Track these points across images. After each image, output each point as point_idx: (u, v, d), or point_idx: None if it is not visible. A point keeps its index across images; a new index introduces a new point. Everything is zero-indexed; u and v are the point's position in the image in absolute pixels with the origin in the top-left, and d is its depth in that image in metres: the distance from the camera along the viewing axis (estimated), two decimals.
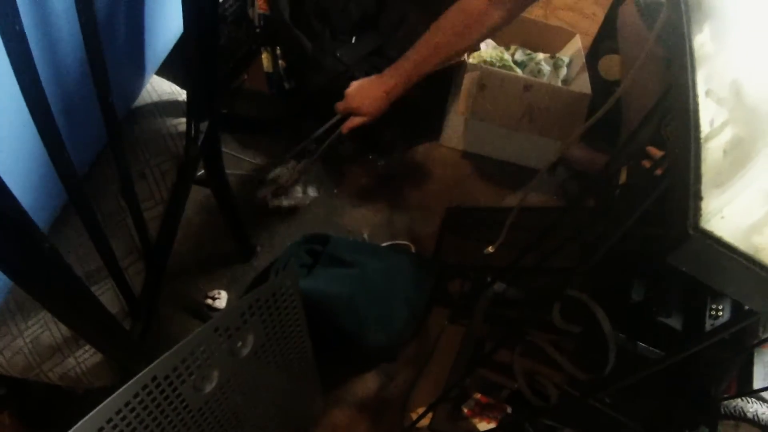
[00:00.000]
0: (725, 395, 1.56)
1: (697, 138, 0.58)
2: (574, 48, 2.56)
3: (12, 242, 0.59)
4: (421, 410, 1.67)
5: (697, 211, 0.55)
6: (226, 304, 1.87)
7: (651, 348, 1.39)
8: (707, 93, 0.63)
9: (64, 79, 0.81)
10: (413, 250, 2.14)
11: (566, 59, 2.53)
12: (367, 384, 1.84)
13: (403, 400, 1.82)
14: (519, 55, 2.56)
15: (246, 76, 2.46)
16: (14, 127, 0.71)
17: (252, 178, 2.19)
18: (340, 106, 1.85)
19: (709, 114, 0.61)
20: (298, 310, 1.27)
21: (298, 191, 2.13)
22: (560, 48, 2.63)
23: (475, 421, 1.68)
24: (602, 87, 2.45)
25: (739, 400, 1.59)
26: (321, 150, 1.98)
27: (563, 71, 2.51)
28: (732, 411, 1.58)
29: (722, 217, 0.56)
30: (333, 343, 1.70)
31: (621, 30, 2.13)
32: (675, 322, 1.36)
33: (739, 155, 0.59)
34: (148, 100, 1.32)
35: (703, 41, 0.71)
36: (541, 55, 2.55)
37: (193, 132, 1.26)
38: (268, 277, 1.88)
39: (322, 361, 1.51)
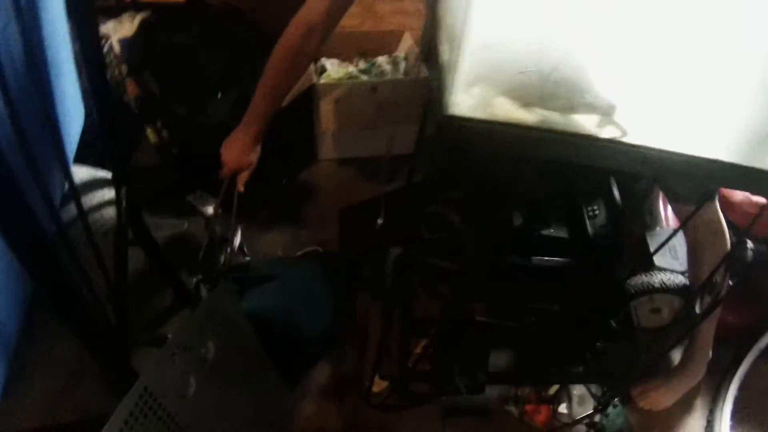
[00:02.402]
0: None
1: (439, 70, 0.99)
2: (407, 44, 2.87)
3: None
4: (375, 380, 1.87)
5: (442, 108, 0.94)
6: None
7: (545, 258, 1.52)
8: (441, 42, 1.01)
9: None
10: (321, 251, 2.41)
11: (402, 55, 2.85)
12: (323, 372, 2.08)
13: (357, 376, 2.06)
14: (362, 65, 2.87)
15: (138, 154, 2.67)
16: None
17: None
18: (223, 172, 1.96)
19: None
20: (242, 315, 1.51)
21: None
22: (395, 48, 2.94)
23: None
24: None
25: (642, 276, 1.75)
26: (235, 218, 2.03)
27: (402, 66, 2.82)
28: (641, 287, 1.74)
29: (456, 104, 0.93)
30: (282, 347, 1.88)
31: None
32: (561, 232, 1.52)
33: (452, 68, 0.96)
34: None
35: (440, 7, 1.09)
36: (380, 59, 2.86)
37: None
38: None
39: (281, 365, 1.75)
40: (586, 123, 1.01)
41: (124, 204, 1.55)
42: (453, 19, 1.01)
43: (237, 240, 2.17)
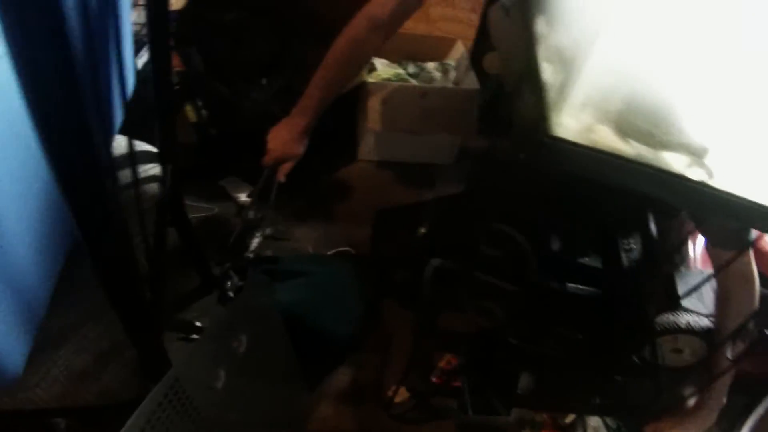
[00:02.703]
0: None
1: (542, 88, 0.92)
2: (458, 52, 2.84)
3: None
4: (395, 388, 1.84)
5: (546, 126, 0.90)
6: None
7: (579, 287, 1.51)
8: (544, 60, 0.96)
9: None
10: (353, 253, 2.36)
11: (453, 63, 2.81)
12: (343, 376, 2.03)
13: (377, 383, 2.02)
14: (411, 68, 2.83)
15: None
16: None
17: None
18: (266, 160, 1.98)
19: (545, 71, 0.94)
20: (274, 310, 1.48)
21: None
22: (446, 55, 2.90)
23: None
24: (490, 82, 2.74)
25: (670, 314, 1.74)
26: (270, 206, 2.11)
27: (452, 74, 2.79)
28: (667, 326, 1.72)
29: (561, 125, 0.89)
30: (306, 345, 1.82)
31: (492, 31, 2.42)
32: (595, 262, 1.52)
33: (562, 90, 0.93)
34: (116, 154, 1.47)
35: (540, 25, 1.03)
36: (430, 64, 2.83)
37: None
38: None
39: (303, 364, 1.71)
40: (675, 162, 1.01)
41: (168, 182, 1.51)
42: (567, 40, 1.00)
43: (270, 230, 2.17)
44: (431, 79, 2.77)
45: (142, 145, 1.59)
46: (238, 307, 1.34)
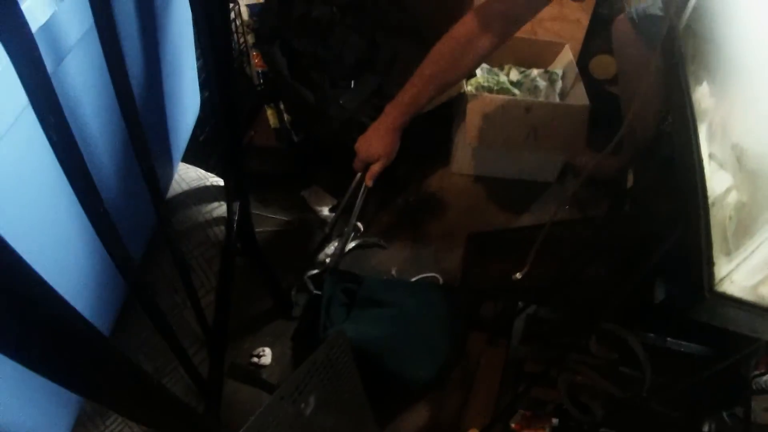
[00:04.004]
0: (756, 372, 1.59)
1: (706, 205, 0.65)
2: (566, 59, 2.62)
3: (79, 357, 0.58)
4: (473, 431, 1.73)
5: (711, 276, 0.63)
6: (270, 360, 1.90)
7: (681, 342, 1.49)
8: (711, 156, 0.70)
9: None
10: (441, 281, 2.18)
11: (560, 72, 2.59)
12: (419, 414, 1.87)
13: (455, 424, 1.86)
14: (514, 75, 2.63)
15: (253, 133, 2.51)
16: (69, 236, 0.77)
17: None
18: (356, 164, 1.87)
19: (713, 176, 0.68)
20: (349, 363, 1.34)
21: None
22: (552, 60, 2.69)
23: None
24: (595, 87, 2.53)
25: None
26: (357, 214, 2.00)
27: (559, 84, 2.57)
28: (764, 386, 1.61)
29: (732, 282, 0.64)
30: (382, 383, 1.73)
31: (617, 45, 2.20)
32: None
33: (744, 220, 0.67)
34: (179, 190, 1.35)
35: (701, 95, 0.77)
36: (535, 71, 2.62)
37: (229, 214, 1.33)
38: (309, 319, 1.94)
39: (374, 400, 1.56)
40: None
41: (235, 222, 1.35)
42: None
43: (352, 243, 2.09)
44: (536, 89, 2.55)
45: (207, 178, 1.42)
46: (308, 368, 1.19)
